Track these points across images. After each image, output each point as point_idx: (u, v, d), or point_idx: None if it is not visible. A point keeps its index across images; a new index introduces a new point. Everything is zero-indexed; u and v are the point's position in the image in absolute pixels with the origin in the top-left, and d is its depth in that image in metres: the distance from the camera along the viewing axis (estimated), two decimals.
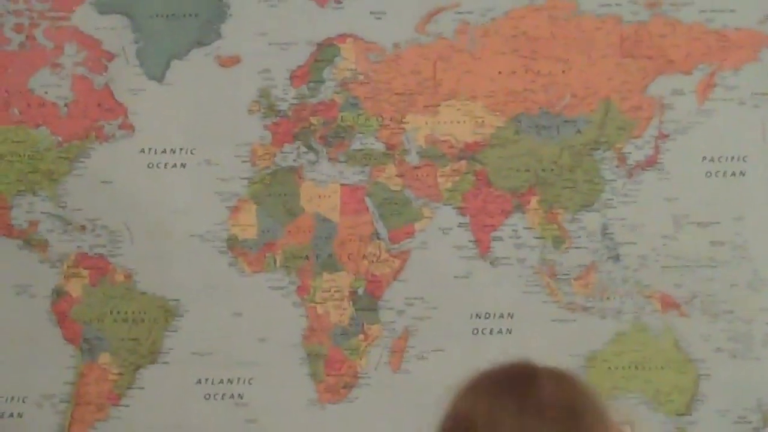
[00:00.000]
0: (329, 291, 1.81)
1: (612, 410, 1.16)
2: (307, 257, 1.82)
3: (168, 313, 1.82)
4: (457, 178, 1.83)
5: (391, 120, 1.82)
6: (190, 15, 1.81)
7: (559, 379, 1.16)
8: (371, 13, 1.81)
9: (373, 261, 1.82)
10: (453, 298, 1.82)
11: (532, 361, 1.18)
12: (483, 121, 1.81)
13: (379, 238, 1.82)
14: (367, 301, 1.81)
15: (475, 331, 1.81)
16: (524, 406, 1.10)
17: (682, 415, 1.79)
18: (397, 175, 1.83)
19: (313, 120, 1.82)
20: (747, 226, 1.82)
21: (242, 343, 1.81)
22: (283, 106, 1.82)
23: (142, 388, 1.81)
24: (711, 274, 1.82)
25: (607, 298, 1.82)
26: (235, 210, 1.83)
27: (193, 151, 1.83)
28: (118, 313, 1.82)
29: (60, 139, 1.83)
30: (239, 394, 1.80)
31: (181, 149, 1.83)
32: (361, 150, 1.83)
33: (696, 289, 1.82)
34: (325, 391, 1.80)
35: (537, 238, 1.82)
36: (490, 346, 1.79)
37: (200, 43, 1.82)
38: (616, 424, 1.15)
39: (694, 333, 1.81)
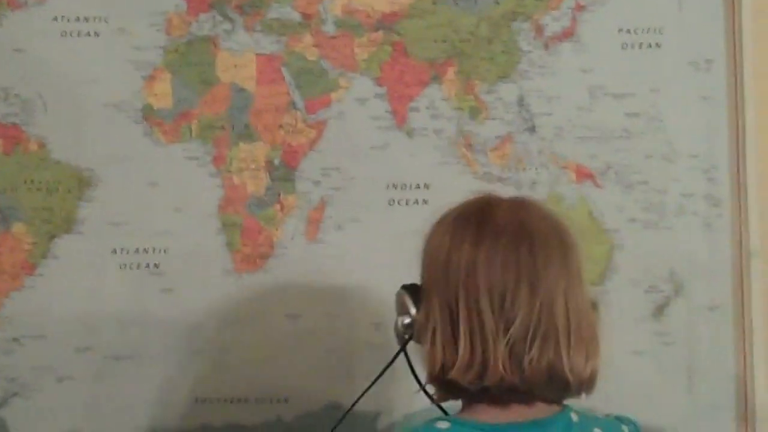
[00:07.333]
0: (245, 161, 1.81)
1: (575, 238, 1.24)
2: (222, 127, 1.81)
3: (82, 182, 1.80)
4: (374, 49, 1.82)
5: None
6: None
7: (515, 205, 1.22)
8: None
9: (289, 131, 1.81)
10: (369, 169, 1.82)
11: (493, 193, 1.28)
12: None
13: (295, 108, 1.81)
14: (283, 172, 1.81)
15: (391, 202, 1.82)
16: (481, 236, 1.19)
17: (595, 285, 1.81)
18: (313, 45, 1.82)
19: None
20: (662, 97, 1.84)
21: (158, 213, 1.80)
22: None
23: (57, 257, 1.79)
24: (626, 145, 1.83)
25: (523, 169, 1.83)
26: (149, 79, 1.81)
27: (107, 20, 1.80)
28: (32, 182, 1.80)
29: None
30: (155, 264, 1.80)
31: (94, 18, 1.80)
32: (277, 19, 1.81)
33: (611, 160, 1.83)
34: (241, 260, 1.80)
35: (454, 109, 1.82)
36: (406, 216, 1.80)
37: None
38: (573, 247, 1.23)
39: (608, 203, 1.83)
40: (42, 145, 1.80)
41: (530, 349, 1.15)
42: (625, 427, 1.27)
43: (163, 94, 1.81)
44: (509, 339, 1.15)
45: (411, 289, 1.28)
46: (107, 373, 1.77)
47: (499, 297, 1.16)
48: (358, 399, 1.50)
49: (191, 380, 1.78)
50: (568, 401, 1.24)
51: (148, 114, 1.81)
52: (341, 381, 1.77)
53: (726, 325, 1.81)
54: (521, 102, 1.83)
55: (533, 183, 1.82)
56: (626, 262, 1.82)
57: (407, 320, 1.28)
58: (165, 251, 1.80)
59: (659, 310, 1.81)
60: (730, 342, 1.80)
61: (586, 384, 1.21)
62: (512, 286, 1.16)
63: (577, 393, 1.21)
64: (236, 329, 1.79)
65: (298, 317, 1.79)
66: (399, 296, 1.30)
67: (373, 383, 1.48)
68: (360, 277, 1.78)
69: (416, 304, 1.26)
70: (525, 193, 1.81)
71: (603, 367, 1.76)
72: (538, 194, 1.81)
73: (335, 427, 1.52)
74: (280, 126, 1.81)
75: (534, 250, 1.18)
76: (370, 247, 1.79)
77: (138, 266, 1.80)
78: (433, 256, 1.23)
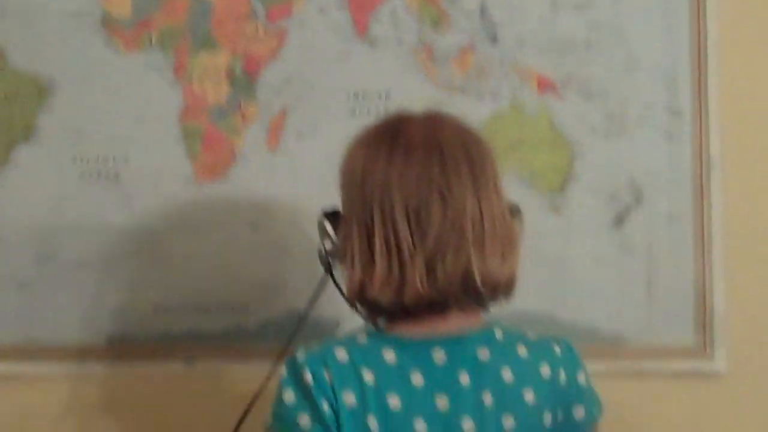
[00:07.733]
0: (206, 70, 1.80)
1: (488, 148, 1.21)
2: (183, 36, 1.80)
3: (41, 91, 1.79)
4: None
5: None
6: None
7: (427, 120, 1.22)
8: None
9: (250, 40, 1.80)
10: (331, 78, 1.81)
11: (407, 110, 1.25)
12: None
13: (256, 17, 1.80)
14: (244, 80, 1.80)
15: (353, 111, 1.81)
16: (393, 153, 1.18)
17: (556, 194, 1.82)
18: None
19: None
20: (624, 8, 1.83)
21: (118, 122, 1.79)
22: None
23: (17, 166, 1.79)
24: (587, 56, 1.83)
25: (485, 79, 1.82)
26: None
27: None
28: None
29: None
30: (115, 173, 1.79)
31: None
32: None
33: (572, 71, 1.83)
34: (202, 169, 1.80)
35: (416, 18, 1.81)
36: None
37: None
38: (485, 157, 1.20)
39: (569, 114, 1.83)
40: (0, 54, 1.79)
41: (444, 260, 1.17)
42: (557, 347, 1.27)
43: (122, 3, 1.80)
44: (425, 253, 1.16)
45: (331, 214, 1.29)
46: (67, 280, 1.77)
47: (414, 212, 1.17)
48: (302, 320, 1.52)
49: (152, 288, 1.77)
50: (500, 321, 1.26)
51: (107, 22, 1.80)
52: (301, 289, 1.77)
53: (685, 235, 1.81)
54: (483, 12, 1.82)
55: (495, 93, 1.82)
56: (587, 171, 1.82)
57: (328, 244, 1.30)
58: (125, 160, 1.80)
59: (619, 219, 1.82)
60: (690, 251, 1.81)
61: (503, 288, 1.22)
62: (426, 200, 1.17)
63: (494, 298, 1.23)
64: (197, 238, 1.79)
65: (259, 226, 1.79)
66: (319, 222, 1.31)
67: (306, 313, 1.50)
68: (321, 186, 1.77)
69: (336, 228, 1.27)
70: (486, 103, 1.81)
71: (563, 274, 1.78)
72: (500, 104, 1.82)
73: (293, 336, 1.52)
74: (242, 35, 1.80)
75: (444, 162, 1.19)
76: (332, 156, 1.78)
77: (98, 175, 1.79)
78: (349, 178, 1.24)
